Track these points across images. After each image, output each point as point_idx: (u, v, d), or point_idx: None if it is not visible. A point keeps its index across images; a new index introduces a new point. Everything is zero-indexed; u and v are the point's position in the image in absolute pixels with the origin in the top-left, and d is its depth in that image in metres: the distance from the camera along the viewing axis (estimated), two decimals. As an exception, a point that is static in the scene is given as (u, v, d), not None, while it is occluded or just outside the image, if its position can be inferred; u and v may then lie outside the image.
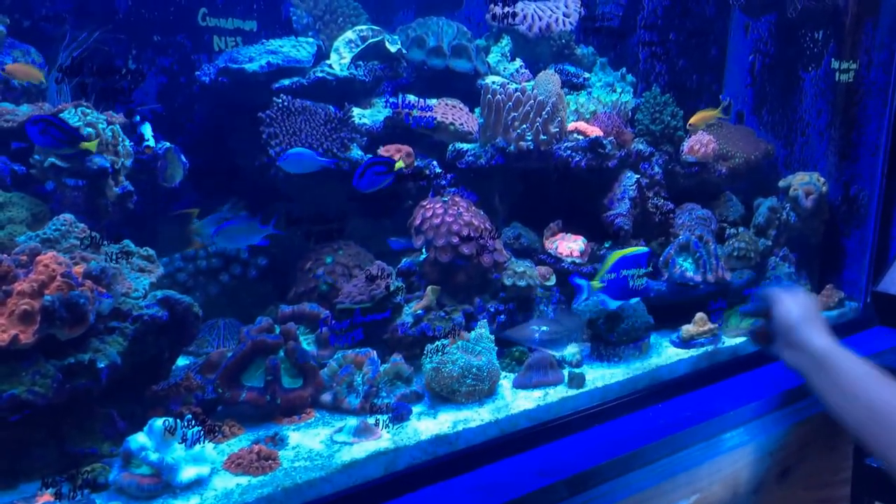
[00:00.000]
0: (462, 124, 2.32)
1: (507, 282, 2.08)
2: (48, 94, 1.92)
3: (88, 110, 1.80)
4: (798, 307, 1.38)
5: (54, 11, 1.97)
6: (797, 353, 1.31)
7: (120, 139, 1.84)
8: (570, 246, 2.28)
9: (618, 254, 2.05)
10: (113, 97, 1.65)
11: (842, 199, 2.82)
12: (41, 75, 1.84)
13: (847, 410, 1.16)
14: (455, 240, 2.00)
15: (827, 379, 1.21)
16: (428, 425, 1.68)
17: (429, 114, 2.23)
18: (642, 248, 2.15)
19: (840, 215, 2.82)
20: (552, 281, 2.21)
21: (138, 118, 1.91)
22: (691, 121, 2.63)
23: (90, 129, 1.75)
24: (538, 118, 2.25)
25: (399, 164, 2.03)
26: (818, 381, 1.23)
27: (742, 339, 2.32)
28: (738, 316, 2.36)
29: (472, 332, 1.90)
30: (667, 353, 2.17)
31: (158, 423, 1.41)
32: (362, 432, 1.59)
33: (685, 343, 2.21)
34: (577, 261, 2.27)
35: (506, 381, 1.91)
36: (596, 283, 1.99)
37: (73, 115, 1.77)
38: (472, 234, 2.02)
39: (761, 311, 1.49)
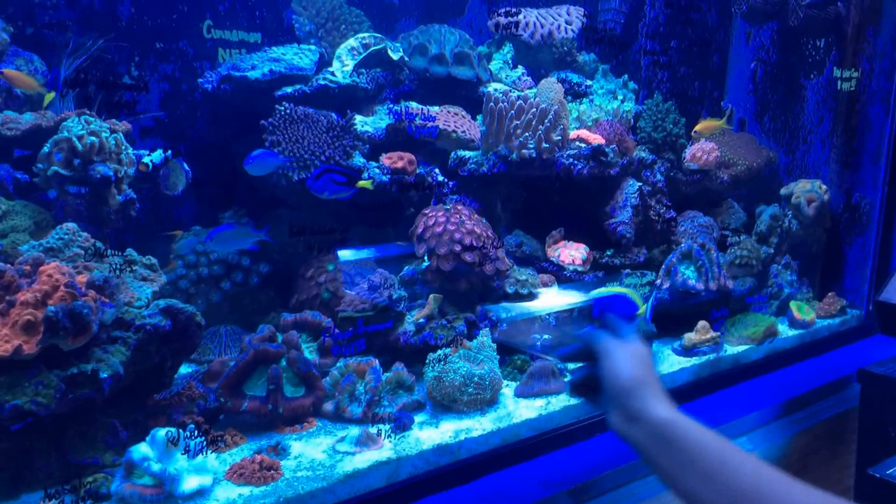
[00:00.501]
0: (464, 132, 2.32)
1: (510, 290, 2.08)
2: (51, 102, 1.92)
3: (91, 118, 1.80)
4: (630, 366, 1.07)
5: (57, 19, 1.97)
6: (630, 422, 1.01)
7: (123, 147, 1.84)
8: (572, 254, 2.28)
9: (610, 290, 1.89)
10: (117, 108, 1.65)
11: (844, 207, 2.82)
12: (37, 85, 1.84)
13: (702, 493, 0.92)
14: (457, 248, 2.00)
15: (673, 456, 0.96)
16: (430, 434, 1.67)
17: (431, 124, 2.23)
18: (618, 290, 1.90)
19: (842, 223, 2.82)
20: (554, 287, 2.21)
21: (160, 151, 1.91)
22: (696, 128, 2.63)
23: (93, 138, 1.75)
24: (540, 126, 2.25)
25: (366, 184, 1.98)
26: (661, 459, 0.96)
27: (744, 347, 2.32)
28: (740, 324, 2.36)
29: (474, 341, 1.90)
30: (669, 362, 2.17)
31: (161, 433, 1.41)
32: (364, 442, 1.59)
33: (687, 351, 2.20)
34: (580, 269, 2.27)
35: (508, 390, 1.91)
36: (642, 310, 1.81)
37: (76, 124, 1.77)
38: (474, 243, 2.02)
39: (582, 354, 1.17)
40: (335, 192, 1.92)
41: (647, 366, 1.10)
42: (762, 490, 0.88)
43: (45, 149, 1.75)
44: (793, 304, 2.58)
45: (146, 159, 1.88)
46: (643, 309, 1.80)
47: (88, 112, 1.82)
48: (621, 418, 1.03)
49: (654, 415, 1.01)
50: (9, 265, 1.45)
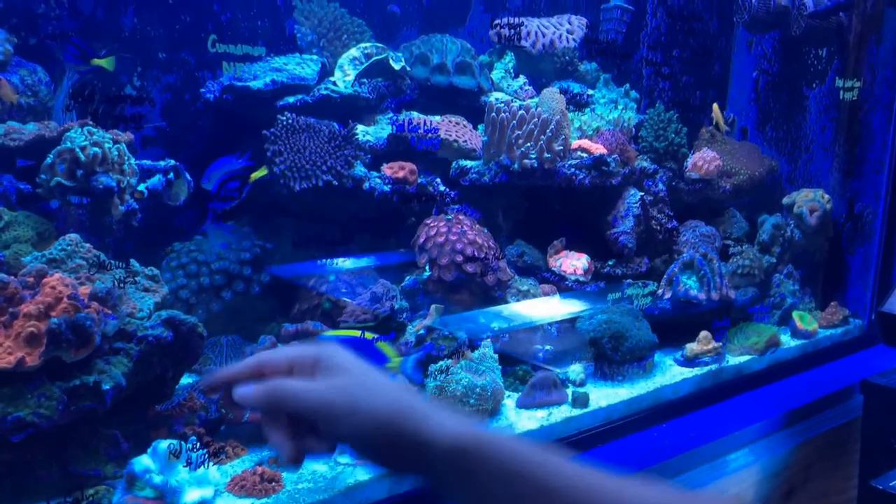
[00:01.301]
0: (466, 142, 2.32)
1: (511, 300, 2.08)
2: (54, 112, 1.92)
3: (94, 129, 1.80)
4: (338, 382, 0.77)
5: (61, 30, 1.98)
6: (404, 458, 0.74)
7: (126, 158, 1.84)
8: (573, 264, 2.28)
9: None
10: (120, 118, 1.65)
11: (846, 216, 2.82)
12: (14, 99, 1.84)
13: None
14: (459, 258, 2.00)
15: (485, 485, 0.69)
16: (431, 446, 1.67)
17: (433, 135, 2.24)
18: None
19: (845, 232, 2.82)
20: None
21: (160, 176, 1.92)
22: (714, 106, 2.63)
23: (96, 149, 1.75)
24: (542, 136, 2.25)
25: (260, 172, 1.89)
26: (468, 491, 0.70)
27: (747, 357, 2.31)
28: (742, 335, 2.36)
29: (476, 351, 1.90)
30: (671, 372, 2.17)
31: (163, 445, 1.40)
32: (366, 454, 1.58)
33: (689, 362, 2.20)
34: (581, 278, 2.26)
35: (509, 401, 1.91)
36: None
37: (79, 134, 1.77)
38: (475, 253, 2.02)
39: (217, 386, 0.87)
40: (231, 190, 1.89)
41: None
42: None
43: (49, 159, 1.75)
44: (795, 314, 2.57)
45: (141, 187, 1.88)
46: (396, 361, 1.57)
47: (91, 123, 1.83)
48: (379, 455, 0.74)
49: (440, 439, 0.72)
50: (12, 277, 1.45)
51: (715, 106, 2.78)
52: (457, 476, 0.70)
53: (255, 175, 1.85)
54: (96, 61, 1.73)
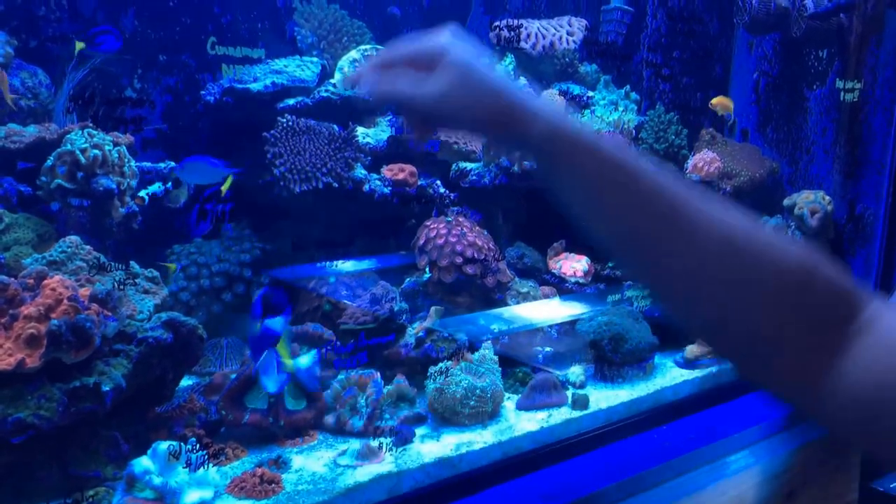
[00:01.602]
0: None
1: (511, 302, 2.08)
2: (55, 114, 1.93)
3: (94, 131, 1.81)
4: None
5: (61, 33, 1.98)
6: (513, 130, 0.76)
7: (126, 160, 1.85)
8: (573, 266, 2.28)
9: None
10: (120, 121, 1.66)
11: (847, 218, 2.81)
12: (10, 98, 1.84)
13: (636, 219, 0.70)
14: (458, 260, 2.01)
15: (599, 172, 0.72)
16: (431, 448, 1.67)
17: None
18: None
19: (846, 234, 2.81)
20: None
21: (159, 184, 1.92)
22: (713, 101, 2.62)
23: (96, 151, 1.76)
24: (542, 138, 2.25)
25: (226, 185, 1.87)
26: (576, 174, 0.73)
27: (747, 359, 2.31)
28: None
29: (476, 353, 1.90)
30: (671, 374, 2.17)
31: (162, 446, 1.41)
32: (365, 455, 1.59)
33: (690, 364, 2.20)
34: (581, 280, 2.27)
35: (509, 403, 1.91)
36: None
37: (79, 137, 1.78)
38: (475, 255, 2.02)
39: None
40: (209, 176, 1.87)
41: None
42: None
43: (49, 162, 1.76)
44: (796, 316, 2.57)
45: (142, 193, 1.88)
46: (289, 364, 1.51)
47: (91, 125, 1.83)
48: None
49: (555, 119, 0.74)
50: (12, 279, 1.46)
51: (719, 98, 2.77)
52: (559, 147, 0.74)
53: (225, 187, 1.85)
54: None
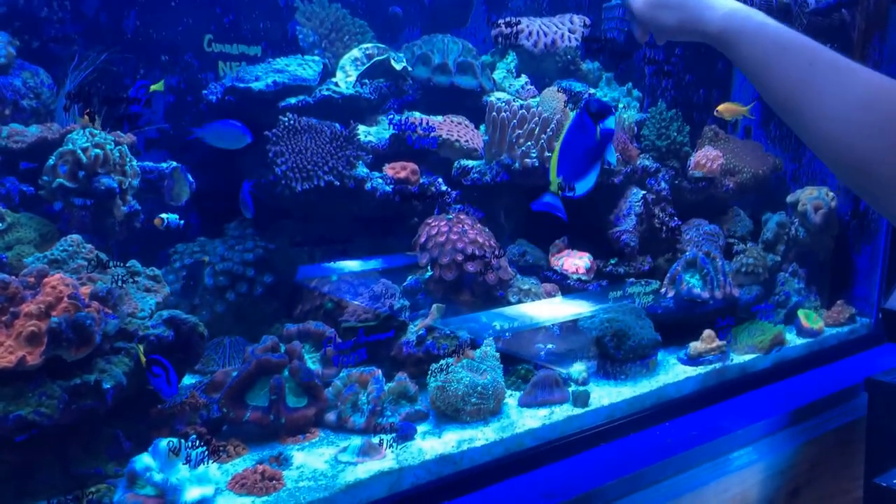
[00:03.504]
0: (467, 141, 2.33)
1: (513, 299, 2.07)
2: (56, 114, 1.94)
3: (96, 131, 1.81)
4: None
5: (63, 33, 1.99)
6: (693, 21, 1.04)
7: (127, 159, 1.85)
8: (575, 263, 2.27)
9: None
10: (122, 120, 1.67)
11: (852, 214, 2.80)
12: None
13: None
14: (459, 257, 2.00)
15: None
16: (433, 445, 1.67)
17: (432, 134, 2.24)
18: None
19: (850, 230, 2.80)
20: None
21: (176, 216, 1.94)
22: (719, 108, 2.62)
23: (98, 150, 1.76)
24: (543, 135, 2.25)
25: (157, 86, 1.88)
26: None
27: (751, 356, 2.30)
28: (747, 333, 2.35)
29: (478, 350, 1.90)
30: (674, 371, 2.16)
31: (163, 443, 1.41)
32: (366, 452, 1.59)
33: (693, 360, 2.19)
34: (583, 277, 2.26)
35: (511, 400, 1.90)
36: (554, 187, 1.66)
37: (81, 136, 1.78)
38: (476, 252, 2.02)
39: None
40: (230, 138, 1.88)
41: None
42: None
43: (51, 161, 1.77)
44: (801, 313, 2.56)
45: (164, 216, 1.91)
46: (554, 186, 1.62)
47: (93, 114, 1.84)
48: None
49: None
50: (13, 277, 1.46)
51: (726, 105, 2.76)
52: (730, 47, 0.96)
53: (154, 87, 1.86)
54: (153, 87, 1.78)
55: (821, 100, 0.84)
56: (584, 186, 1.66)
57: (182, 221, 1.94)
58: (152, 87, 1.84)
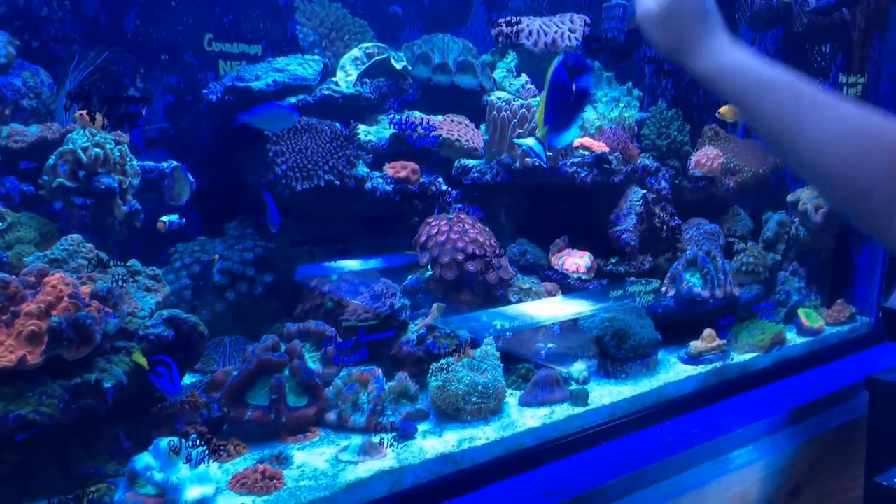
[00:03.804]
0: (467, 140, 2.33)
1: (513, 298, 2.07)
2: (56, 114, 1.94)
3: (96, 130, 1.81)
4: None
5: (63, 33, 1.99)
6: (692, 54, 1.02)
7: (127, 159, 1.85)
8: (576, 262, 2.27)
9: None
10: (122, 120, 1.66)
11: (852, 213, 2.79)
12: None
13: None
14: (460, 257, 2.00)
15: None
16: (433, 444, 1.67)
17: (432, 133, 2.24)
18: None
19: (851, 229, 2.80)
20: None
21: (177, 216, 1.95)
22: (721, 110, 2.62)
23: (98, 150, 1.76)
24: (544, 134, 2.25)
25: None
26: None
27: (752, 355, 2.30)
28: (747, 332, 2.35)
29: (478, 350, 1.90)
30: (675, 370, 2.16)
31: (164, 442, 1.41)
32: (367, 451, 1.59)
33: (693, 359, 2.19)
34: (584, 276, 2.26)
35: (512, 399, 1.90)
36: (540, 132, 1.66)
37: (81, 136, 1.78)
38: (477, 251, 2.02)
39: None
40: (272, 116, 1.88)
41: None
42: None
43: (51, 161, 1.77)
44: (801, 312, 2.56)
45: (164, 218, 1.91)
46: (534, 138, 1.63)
47: (92, 124, 1.84)
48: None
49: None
50: (14, 276, 1.46)
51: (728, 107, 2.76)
52: (715, 86, 0.99)
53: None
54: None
55: (808, 135, 0.87)
56: (565, 139, 1.68)
57: (183, 220, 1.94)
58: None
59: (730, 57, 0.99)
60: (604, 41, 2.76)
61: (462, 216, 2.13)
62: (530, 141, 1.77)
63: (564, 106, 1.61)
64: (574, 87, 1.57)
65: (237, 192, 2.24)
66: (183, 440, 1.42)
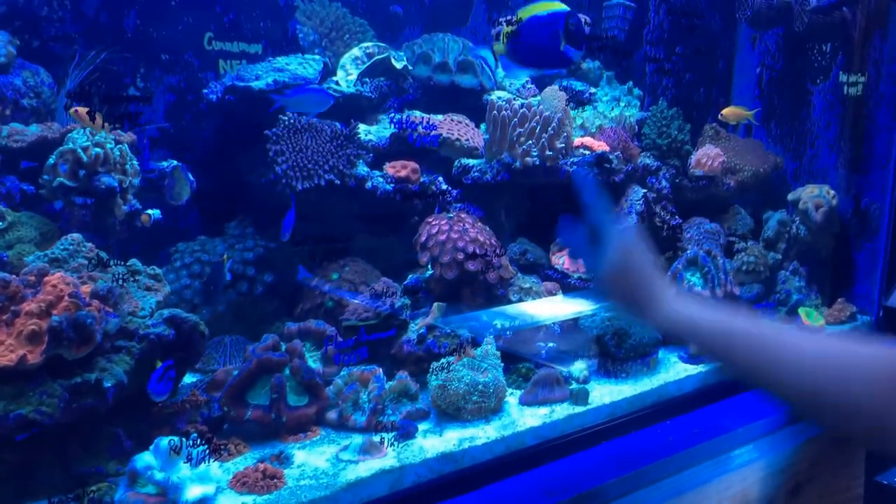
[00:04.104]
0: (468, 140, 2.33)
1: (514, 298, 2.07)
2: (57, 113, 1.94)
3: (95, 130, 1.81)
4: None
5: (63, 32, 1.99)
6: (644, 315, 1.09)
7: (128, 158, 1.85)
8: (576, 261, 2.27)
9: (531, 10, 1.65)
10: (122, 119, 1.67)
11: (853, 212, 2.80)
12: None
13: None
14: (460, 256, 2.00)
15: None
16: (434, 443, 1.67)
17: (433, 132, 2.24)
18: (558, 6, 1.68)
19: (851, 228, 2.80)
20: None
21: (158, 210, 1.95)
22: (723, 112, 2.63)
23: (98, 149, 1.76)
24: (544, 134, 2.25)
25: None
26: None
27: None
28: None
29: (478, 349, 1.90)
30: (675, 369, 2.16)
31: (164, 442, 1.41)
32: (368, 450, 1.59)
33: (694, 358, 2.19)
34: (584, 276, 2.26)
35: (512, 398, 1.90)
36: (498, 46, 1.68)
37: (81, 135, 1.79)
38: (477, 251, 2.02)
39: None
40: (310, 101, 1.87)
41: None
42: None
43: (51, 160, 1.77)
44: (801, 311, 2.56)
45: (149, 212, 1.92)
46: (499, 45, 1.61)
47: (92, 123, 1.84)
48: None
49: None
50: (14, 276, 1.46)
51: (730, 109, 2.77)
52: (674, 335, 1.08)
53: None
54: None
55: (781, 376, 0.92)
56: (514, 76, 1.68)
57: (158, 211, 1.94)
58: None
59: (676, 311, 1.06)
60: (604, 40, 2.76)
61: (462, 215, 2.13)
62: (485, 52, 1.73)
63: (537, 52, 1.58)
64: (562, 51, 1.55)
65: (237, 192, 2.24)
66: (183, 439, 1.42)
